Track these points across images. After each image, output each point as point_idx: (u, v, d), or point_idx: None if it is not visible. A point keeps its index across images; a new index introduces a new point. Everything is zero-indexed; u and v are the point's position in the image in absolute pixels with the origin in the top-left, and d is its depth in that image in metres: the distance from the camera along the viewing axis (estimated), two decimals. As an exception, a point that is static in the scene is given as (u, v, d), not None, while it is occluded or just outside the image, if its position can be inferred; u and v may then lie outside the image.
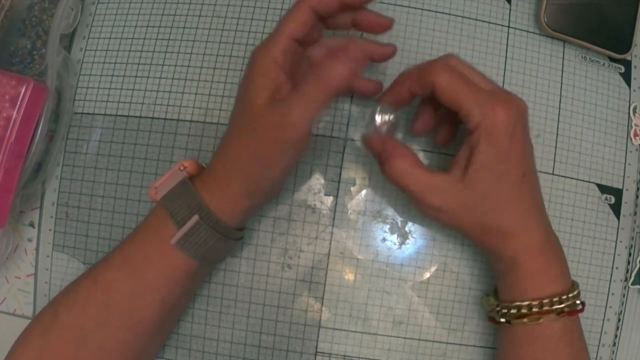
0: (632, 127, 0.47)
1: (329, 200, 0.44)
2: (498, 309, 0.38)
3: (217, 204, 0.37)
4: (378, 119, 0.39)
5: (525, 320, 0.36)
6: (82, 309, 0.36)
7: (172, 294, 0.37)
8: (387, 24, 0.38)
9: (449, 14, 0.46)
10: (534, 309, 0.36)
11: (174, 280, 0.37)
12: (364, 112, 0.39)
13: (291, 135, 0.34)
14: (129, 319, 0.37)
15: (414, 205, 0.38)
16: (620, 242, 0.46)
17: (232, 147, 0.37)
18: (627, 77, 0.47)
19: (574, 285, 0.37)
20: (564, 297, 0.36)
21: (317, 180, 0.44)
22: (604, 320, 0.45)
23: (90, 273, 0.38)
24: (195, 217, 0.36)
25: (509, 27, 0.46)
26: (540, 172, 0.45)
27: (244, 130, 0.36)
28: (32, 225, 0.46)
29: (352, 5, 0.38)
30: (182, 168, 0.38)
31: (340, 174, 0.44)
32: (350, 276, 0.44)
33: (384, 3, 0.46)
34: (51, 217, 0.46)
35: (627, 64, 0.47)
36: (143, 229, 0.38)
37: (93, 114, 0.46)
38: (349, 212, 0.44)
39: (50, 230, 0.46)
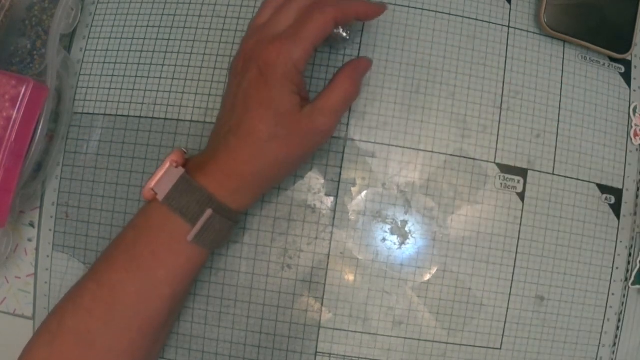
0: (632, 127, 0.47)
1: (329, 200, 0.44)
2: None
3: (231, 196, 0.37)
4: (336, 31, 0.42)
5: None
6: (88, 311, 0.36)
7: (181, 287, 0.38)
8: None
9: (449, 14, 0.46)
10: None
11: (186, 274, 0.38)
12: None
13: (324, 139, 0.39)
14: (136, 318, 0.37)
15: None
16: (621, 242, 0.46)
17: (258, 149, 0.36)
18: (627, 77, 0.47)
19: None
20: None
21: (317, 181, 0.44)
22: (604, 320, 0.45)
23: (94, 275, 0.38)
24: (209, 211, 0.36)
25: (509, 27, 0.46)
26: (541, 172, 0.45)
27: (282, 134, 0.36)
28: (32, 225, 0.46)
29: (364, 20, 0.41)
30: (175, 165, 0.38)
31: (340, 174, 0.44)
32: (350, 276, 0.44)
33: (384, 3, 0.46)
34: (51, 217, 0.46)
35: (627, 64, 0.47)
36: (146, 229, 0.38)
37: (93, 114, 0.46)
38: (349, 212, 0.44)
39: (50, 230, 0.46)
